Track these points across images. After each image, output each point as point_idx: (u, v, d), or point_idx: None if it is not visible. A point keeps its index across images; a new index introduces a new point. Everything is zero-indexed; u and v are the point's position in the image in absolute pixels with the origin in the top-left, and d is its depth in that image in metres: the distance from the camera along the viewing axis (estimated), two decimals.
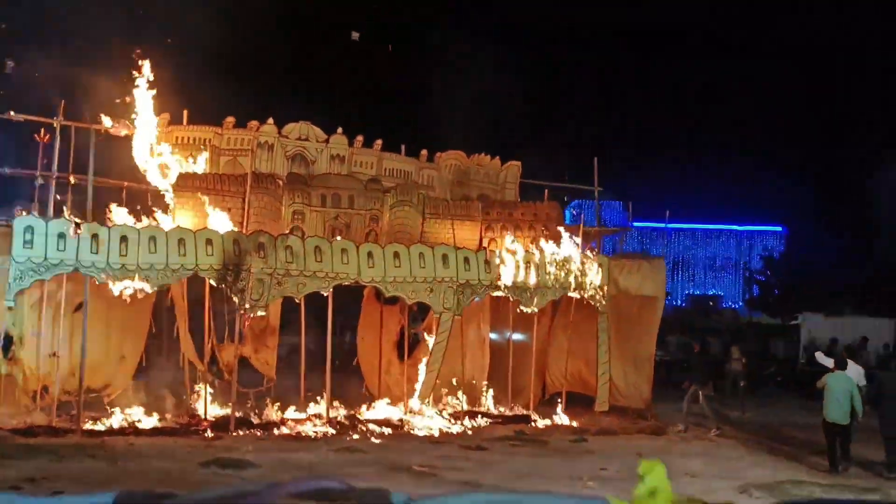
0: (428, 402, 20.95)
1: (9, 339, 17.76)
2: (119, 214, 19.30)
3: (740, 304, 76.90)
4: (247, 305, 18.88)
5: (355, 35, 29.19)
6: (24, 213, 17.97)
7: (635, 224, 25.63)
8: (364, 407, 21.04)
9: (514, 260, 21.47)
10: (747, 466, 17.47)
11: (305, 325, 20.60)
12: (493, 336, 23.62)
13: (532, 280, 21.56)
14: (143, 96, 20.80)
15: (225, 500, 2.74)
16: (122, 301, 18.65)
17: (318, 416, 19.81)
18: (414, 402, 21.04)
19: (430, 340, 21.00)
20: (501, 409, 22.45)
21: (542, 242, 23.15)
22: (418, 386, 21.14)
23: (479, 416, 21.65)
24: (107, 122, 20.02)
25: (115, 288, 17.96)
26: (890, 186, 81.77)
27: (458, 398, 21.90)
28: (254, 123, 21.86)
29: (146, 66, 20.76)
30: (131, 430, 18.01)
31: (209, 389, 19.75)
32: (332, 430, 19.10)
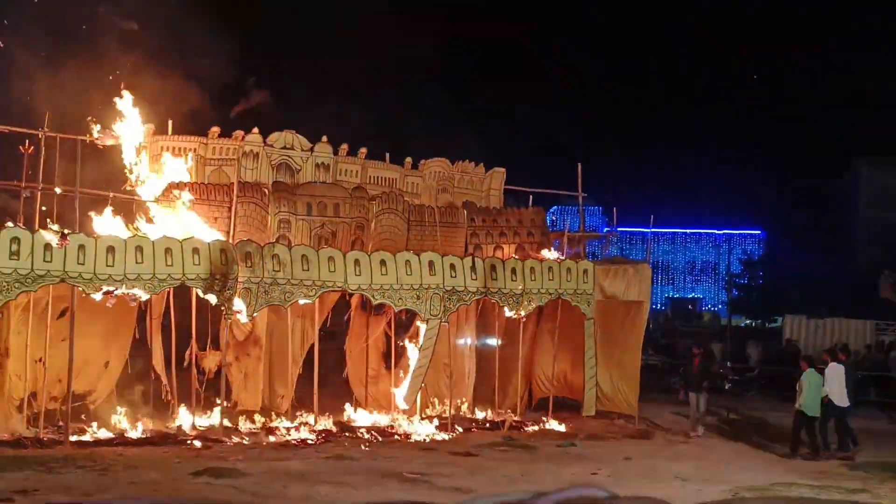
0: (415, 404, 20.98)
1: None
2: (103, 224, 19.22)
3: (720, 306, 77.20)
4: (233, 314, 18.94)
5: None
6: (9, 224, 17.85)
7: (620, 228, 25.81)
8: (351, 414, 21.08)
9: (500, 265, 21.57)
10: (737, 469, 17.62)
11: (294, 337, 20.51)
12: (479, 342, 23.67)
13: (518, 285, 21.64)
14: (128, 105, 20.81)
15: None
16: (106, 307, 18.58)
17: (306, 423, 19.84)
18: (400, 404, 21.10)
19: (417, 346, 21.00)
20: (488, 415, 22.55)
21: (527, 248, 23.26)
22: (404, 386, 21.15)
23: (467, 421, 21.74)
24: (93, 132, 20.06)
25: (97, 295, 17.85)
26: (864, 191, 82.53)
27: (444, 404, 21.97)
28: (239, 133, 21.84)
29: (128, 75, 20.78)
30: (119, 440, 17.92)
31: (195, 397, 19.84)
32: (320, 438, 19.10)
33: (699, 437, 21.39)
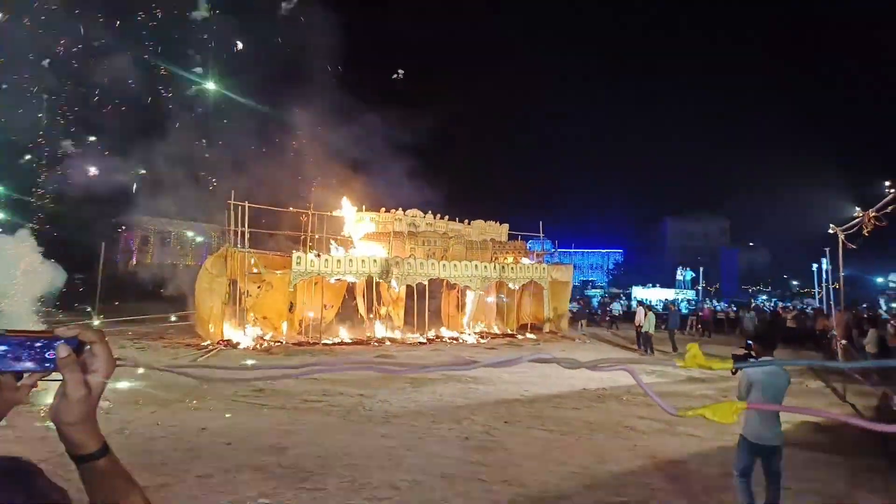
0: (470, 328, 20.92)
1: (291, 304, 18.04)
2: (335, 249, 19.55)
3: (605, 283, 75.93)
4: (392, 288, 19.10)
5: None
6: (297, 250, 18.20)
7: (559, 249, 25.52)
8: (442, 331, 21.07)
9: (507, 266, 21.45)
10: (609, 353, 17.38)
11: (416, 298, 20.60)
12: (497, 298, 23.62)
13: (514, 275, 21.52)
14: (346, 196, 21.29)
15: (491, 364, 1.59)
16: (334, 284, 18.94)
17: (422, 335, 19.88)
18: (464, 328, 21.07)
19: (469, 301, 20.96)
20: (501, 331, 22.43)
21: (518, 259, 23.19)
22: (465, 320, 21.17)
23: (491, 335, 21.67)
24: (334, 207, 20.48)
25: (332, 280, 18.16)
26: (671, 233, 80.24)
27: (483, 327, 21.89)
28: (392, 209, 21.99)
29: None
30: (341, 343, 18.05)
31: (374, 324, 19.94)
32: (428, 342, 19.09)
33: (587, 341, 21.12)
